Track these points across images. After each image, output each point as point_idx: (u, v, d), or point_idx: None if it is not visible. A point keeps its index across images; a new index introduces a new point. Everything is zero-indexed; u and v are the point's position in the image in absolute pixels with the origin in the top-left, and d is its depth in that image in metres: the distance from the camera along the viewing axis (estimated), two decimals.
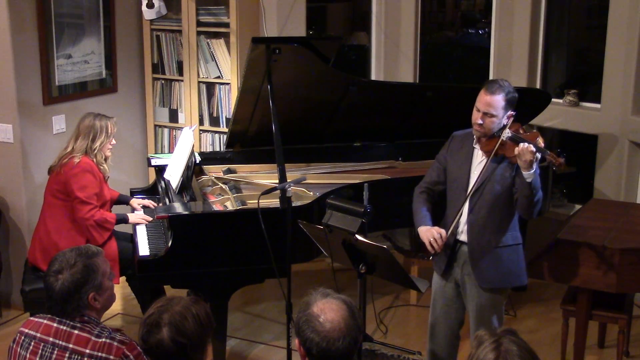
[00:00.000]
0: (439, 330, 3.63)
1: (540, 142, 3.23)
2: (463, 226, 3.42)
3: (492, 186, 3.33)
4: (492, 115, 3.27)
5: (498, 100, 3.27)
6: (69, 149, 4.12)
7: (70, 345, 2.45)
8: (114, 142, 4.23)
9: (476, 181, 3.35)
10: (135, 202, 4.50)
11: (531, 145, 3.13)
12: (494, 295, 3.44)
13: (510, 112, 3.31)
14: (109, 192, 4.29)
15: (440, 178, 3.54)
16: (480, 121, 3.30)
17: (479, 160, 3.41)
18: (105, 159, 4.21)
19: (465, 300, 3.53)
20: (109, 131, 4.16)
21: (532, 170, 3.16)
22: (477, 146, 3.41)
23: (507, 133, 3.26)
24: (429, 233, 3.39)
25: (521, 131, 3.29)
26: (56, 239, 4.04)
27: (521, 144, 3.16)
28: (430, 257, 3.50)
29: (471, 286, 3.46)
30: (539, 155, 3.16)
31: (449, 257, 3.48)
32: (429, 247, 3.38)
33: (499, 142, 3.27)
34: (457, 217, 3.40)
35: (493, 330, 3.40)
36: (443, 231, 3.38)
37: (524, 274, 3.51)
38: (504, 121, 3.30)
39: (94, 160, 4.12)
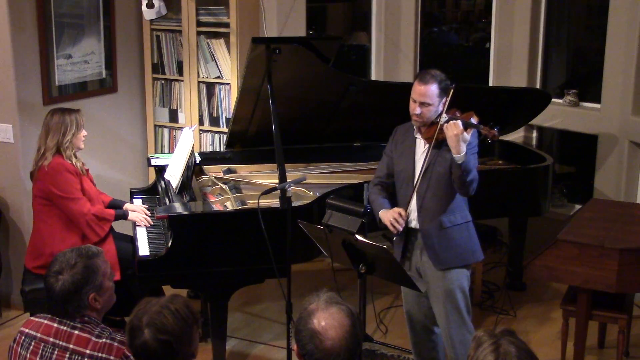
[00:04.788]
0: (414, 320, 3.73)
1: (475, 119, 3.36)
2: (413, 214, 3.52)
3: (436, 170, 3.44)
4: (428, 104, 3.41)
5: (432, 89, 3.40)
6: (41, 150, 4.02)
7: (71, 346, 2.45)
8: (85, 133, 4.12)
9: (421, 169, 3.46)
10: (130, 207, 4.37)
11: (458, 121, 3.28)
12: (451, 275, 3.50)
13: (445, 99, 3.42)
14: (90, 186, 4.15)
15: (390, 170, 3.66)
16: (417, 111, 3.43)
17: (422, 150, 3.52)
18: (75, 153, 4.08)
19: (427, 288, 3.59)
20: (79, 123, 4.07)
21: (462, 154, 3.27)
22: (418, 136, 3.54)
23: (444, 118, 3.39)
24: (388, 214, 3.50)
25: (458, 114, 3.41)
26: (50, 243, 3.98)
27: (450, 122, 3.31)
28: (394, 238, 3.59)
29: (430, 272, 3.54)
30: (467, 137, 3.27)
31: (403, 245, 3.58)
32: (391, 228, 3.49)
33: (438, 127, 3.38)
34: (407, 206, 3.50)
35: (460, 311, 3.48)
36: (402, 210, 3.48)
37: (479, 250, 3.62)
38: (440, 108, 3.43)
39: (64, 155, 4.01)
